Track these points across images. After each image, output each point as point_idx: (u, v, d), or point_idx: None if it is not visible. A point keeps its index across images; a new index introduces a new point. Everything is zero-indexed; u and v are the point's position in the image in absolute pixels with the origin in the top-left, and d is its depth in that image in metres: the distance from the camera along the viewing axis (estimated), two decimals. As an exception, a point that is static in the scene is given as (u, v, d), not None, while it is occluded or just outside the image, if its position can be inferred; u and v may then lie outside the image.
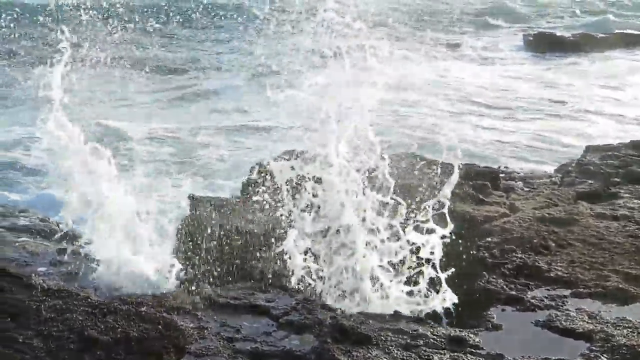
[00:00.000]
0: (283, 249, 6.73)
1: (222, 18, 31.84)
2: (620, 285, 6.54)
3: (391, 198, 6.79)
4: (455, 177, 6.93)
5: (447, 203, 6.80)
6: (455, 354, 5.45)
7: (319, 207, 6.90)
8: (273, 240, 7.34)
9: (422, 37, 32.84)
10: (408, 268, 6.70)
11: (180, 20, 31.53)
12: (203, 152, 18.11)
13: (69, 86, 6.63)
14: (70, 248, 8.21)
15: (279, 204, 8.01)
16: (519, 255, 7.11)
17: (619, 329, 5.81)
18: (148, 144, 18.60)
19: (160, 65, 27.00)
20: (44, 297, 5.67)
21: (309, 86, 6.81)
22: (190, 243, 7.58)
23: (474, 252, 7.23)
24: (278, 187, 8.49)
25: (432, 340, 5.63)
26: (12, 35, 25.08)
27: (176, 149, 18.32)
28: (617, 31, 32.92)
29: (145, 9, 27.80)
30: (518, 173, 11.06)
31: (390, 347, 5.47)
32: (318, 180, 6.84)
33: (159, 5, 31.84)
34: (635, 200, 8.53)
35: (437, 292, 6.62)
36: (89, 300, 5.71)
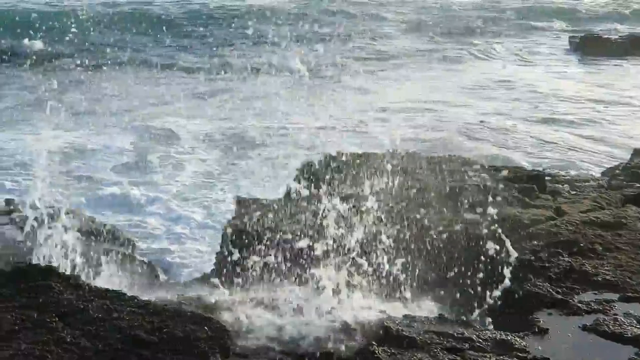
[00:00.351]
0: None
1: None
2: (669, 290, 6.47)
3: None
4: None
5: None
6: (501, 357, 5.41)
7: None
8: (318, 242, 7.36)
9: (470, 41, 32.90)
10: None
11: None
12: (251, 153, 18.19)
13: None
14: (116, 248, 8.30)
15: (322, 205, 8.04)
16: (566, 259, 7.06)
17: (668, 334, 5.75)
18: (197, 145, 18.73)
19: (202, 67, 27.23)
20: (92, 297, 5.71)
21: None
22: (236, 244, 7.62)
23: (520, 255, 7.18)
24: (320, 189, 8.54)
25: (477, 343, 5.59)
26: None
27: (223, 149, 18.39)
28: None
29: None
30: (564, 176, 10.98)
31: (435, 350, 5.45)
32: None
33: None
34: (684, 204, 8.44)
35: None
36: (135, 300, 5.74)
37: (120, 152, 18.00)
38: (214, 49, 30.67)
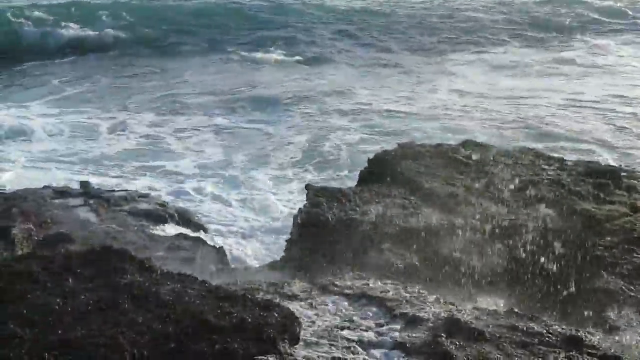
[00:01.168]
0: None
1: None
2: None
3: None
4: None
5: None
6: (571, 353, 5.35)
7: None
8: (390, 231, 7.37)
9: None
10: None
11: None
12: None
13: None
14: (188, 233, 8.38)
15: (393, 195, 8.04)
16: (639, 256, 6.97)
17: None
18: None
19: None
20: (163, 281, 5.77)
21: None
22: (306, 232, 7.65)
23: (594, 251, 7.10)
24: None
25: (547, 338, 5.54)
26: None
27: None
28: None
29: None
30: (640, 172, 10.80)
31: (504, 344, 5.41)
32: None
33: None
34: None
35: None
36: (206, 285, 5.78)
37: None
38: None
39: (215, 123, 19.92)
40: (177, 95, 22.70)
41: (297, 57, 28.27)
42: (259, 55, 28.31)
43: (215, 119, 20.24)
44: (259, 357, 4.96)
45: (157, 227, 8.51)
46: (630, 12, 37.16)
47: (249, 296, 5.63)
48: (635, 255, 6.97)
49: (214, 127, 19.58)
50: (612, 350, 5.45)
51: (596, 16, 36.40)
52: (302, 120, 20.17)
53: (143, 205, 9.03)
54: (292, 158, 17.11)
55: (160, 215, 8.83)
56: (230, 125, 19.86)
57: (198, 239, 8.50)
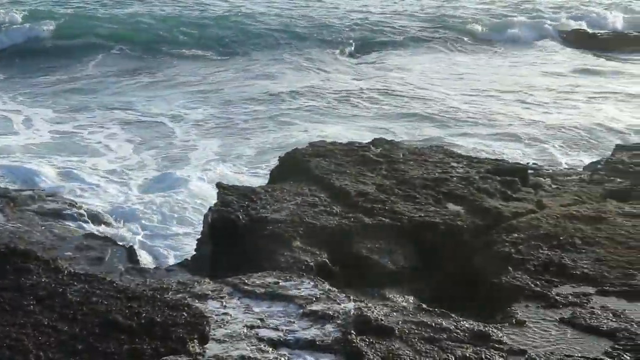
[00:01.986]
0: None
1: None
2: (646, 285, 6.52)
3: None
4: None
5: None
6: (478, 348, 5.43)
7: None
8: (300, 230, 7.38)
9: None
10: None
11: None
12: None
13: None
14: (97, 233, 8.28)
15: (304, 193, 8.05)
16: (545, 252, 7.10)
17: (643, 328, 5.78)
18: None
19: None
20: (70, 281, 5.70)
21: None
22: (217, 231, 7.62)
23: (500, 247, 7.21)
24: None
25: (455, 334, 5.61)
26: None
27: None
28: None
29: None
30: (547, 170, 11.00)
31: (413, 340, 5.46)
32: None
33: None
34: (664, 200, 8.49)
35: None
36: (114, 284, 5.73)
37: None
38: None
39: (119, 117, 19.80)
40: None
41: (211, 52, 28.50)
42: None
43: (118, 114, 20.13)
44: (168, 357, 4.93)
45: (66, 227, 8.39)
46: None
47: (158, 296, 5.60)
48: (541, 251, 7.10)
49: (118, 121, 19.47)
50: (519, 345, 5.55)
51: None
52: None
53: (51, 205, 8.90)
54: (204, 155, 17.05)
55: (69, 214, 8.72)
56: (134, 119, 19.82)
57: (107, 238, 8.41)
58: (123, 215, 12.27)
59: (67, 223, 8.41)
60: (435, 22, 35.05)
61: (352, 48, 30.35)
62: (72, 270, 5.94)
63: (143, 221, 12.22)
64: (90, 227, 8.89)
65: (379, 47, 30.98)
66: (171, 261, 9.70)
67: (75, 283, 5.68)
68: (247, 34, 31.21)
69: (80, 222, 8.58)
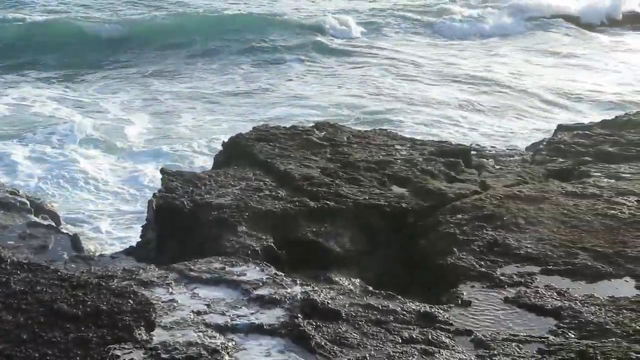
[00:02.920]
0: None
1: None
2: (589, 263, 6.60)
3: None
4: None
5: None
6: (425, 329, 5.47)
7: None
8: (246, 214, 7.36)
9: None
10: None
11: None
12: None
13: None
14: (39, 221, 8.19)
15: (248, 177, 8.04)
16: (489, 232, 7.15)
17: (586, 306, 5.86)
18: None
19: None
20: (13, 270, 5.64)
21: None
22: (162, 217, 7.58)
23: (445, 228, 7.26)
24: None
25: (401, 315, 5.65)
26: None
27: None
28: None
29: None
30: (490, 151, 11.09)
31: (360, 322, 5.49)
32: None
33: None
34: (605, 179, 8.60)
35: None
36: (59, 273, 5.68)
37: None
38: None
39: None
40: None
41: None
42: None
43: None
44: (115, 345, 4.90)
45: (8, 215, 8.29)
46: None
47: (104, 284, 5.56)
48: (485, 231, 7.16)
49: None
50: (465, 326, 5.60)
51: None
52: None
53: (-8, 194, 8.78)
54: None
55: (10, 203, 8.61)
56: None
57: (51, 226, 8.32)
58: (64, 202, 12.20)
59: (9, 212, 8.30)
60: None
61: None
62: (16, 260, 5.87)
63: (85, 208, 12.16)
64: (33, 216, 8.77)
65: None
66: (116, 248, 9.63)
67: (19, 272, 5.62)
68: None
69: (23, 211, 8.47)
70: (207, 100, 21.10)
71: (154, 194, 7.90)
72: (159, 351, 4.91)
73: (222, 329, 5.29)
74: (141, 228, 8.51)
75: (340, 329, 5.39)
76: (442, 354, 5.17)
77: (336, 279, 6.57)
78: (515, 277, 6.41)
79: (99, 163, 15.55)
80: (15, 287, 5.40)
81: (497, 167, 9.61)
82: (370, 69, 24.99)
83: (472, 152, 9.91)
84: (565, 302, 5.95)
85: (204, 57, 26.97)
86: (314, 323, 5.40)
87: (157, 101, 20.98)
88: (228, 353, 5.02)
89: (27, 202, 8.69)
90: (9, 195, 8.65)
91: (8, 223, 7.89)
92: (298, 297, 5.74)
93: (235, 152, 9.10)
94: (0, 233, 7.47)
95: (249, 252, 6.80)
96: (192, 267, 6.18)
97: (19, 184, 12.90)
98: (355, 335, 5.32)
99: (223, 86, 22.79)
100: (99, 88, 22.35)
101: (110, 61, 26.20)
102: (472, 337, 5.45)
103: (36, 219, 8.40)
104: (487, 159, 10.03)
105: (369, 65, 25.67)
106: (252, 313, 5.52)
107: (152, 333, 5.12)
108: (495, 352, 5.22)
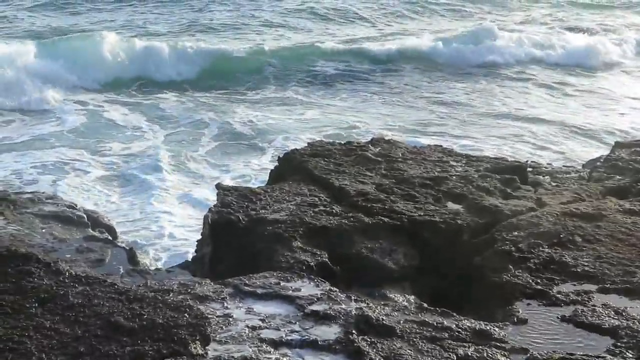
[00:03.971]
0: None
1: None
2: (647, 282, 6.52)
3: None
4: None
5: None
6: (480, 347, 5.44)
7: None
8: (301, 230, 7.38)
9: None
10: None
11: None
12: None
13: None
14: (96, 235, 8.27)
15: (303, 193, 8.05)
16: (546, 250, 7.09)
17: (645, 325, 5.79)
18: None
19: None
20: (71, 283, 5.71)
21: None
22: (217, 232, 7.62)
23: (501, 245, 7.21)
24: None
25: (456, 333, 5.62)
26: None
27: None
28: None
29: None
30: (546, 168, 11.00)
31: (415, 339, 5.47)
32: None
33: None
34: (663, 197, 8.49)
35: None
36: (116, 286, 5.74)
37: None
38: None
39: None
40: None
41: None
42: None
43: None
44: (170, 359, 4.94)
45: (66, 229, 8.38)
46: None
47: (160, 297, 5.61)
48: (541, 249, 7.10)
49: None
50: (520, 344, 5.55)
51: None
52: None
53: (51, 207, 8.87)
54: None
55: (68, 217, 8.69)
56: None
57: (108, 240, 8.39)
58: (120, 216, 12.29)
59: (67, 226, 8.39)
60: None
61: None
62: (74, 273, 5.95)
63: (141, 222, 12.24)
64: (90, 230, 8.85)
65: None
66: (172, 262, 9.69)
67: (77, 285, 5.69)
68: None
69: (81, 225, 8.55)
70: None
71: (210, 209, 7.95)
72: (214, 365, 4.95)
73: (276, 344, 5.31)
74: (196, 243, 8.56)
75: (395, 345, 5.38)
76: (498, 372, 5.14)
77: (391, 295, 6.56)
78: (571, 295, 6.35)
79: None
80: (73, 300, 5.47)
81: (554, 184, 9.53)
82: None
83: (528, 169, 9.83)
84: (623, 321, 5.89)
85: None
86: (368, 339, 5.40)
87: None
88: (282, 368, 5.04)
89: (85, 216, 8.78)
90: (67, 209, 8.74)
91: (66, 236, 7.97)
92: (353, 313, 5.74)
93: (290, 168, 9.13)
94: (59, 246, 7.54)
95: (304, 267, 6.81)
96: (247, 281, 6.21)
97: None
98: (409, 352, 5.31)
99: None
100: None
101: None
102: (528, 355, 5.41)
103: (93, 233, 8.48)
104: (544, 176, 9.95)
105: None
106: (307, 329, 5.53)
107: (207, 347, 5.15)
108: (552, 371, 5.18)
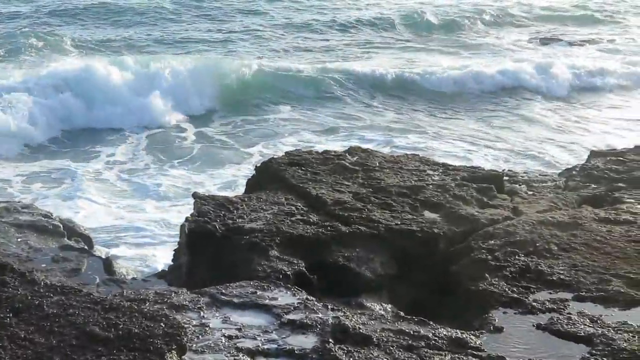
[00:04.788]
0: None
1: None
2: (622, 290, 6.55)
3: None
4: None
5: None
6: (456, 355, 5.46)
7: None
8: (277, 239, 7.38)
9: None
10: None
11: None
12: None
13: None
14: (72, 244, 8.24)
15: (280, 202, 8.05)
16: (522, 258, 7.12)
17: (620, 333, 5.82)
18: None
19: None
20: (46, 293, 5.68)
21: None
22: (194, 241, 7.60)
23: (477, 254, 7.23)
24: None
25: (433, 341, 5.63)
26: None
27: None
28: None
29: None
30: (522, 177, 11.05)
31: (392, 348, 5.48)
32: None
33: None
34: (639, 205, 8.53)
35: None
36: (91, 296, 5.71)
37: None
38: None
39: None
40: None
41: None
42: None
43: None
44: (146, 369, 4.92)
45: (41, 238, 8.34)
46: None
47: (136, 307, 5.58)
48: (517, 257, 7.12)
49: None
50: (496, 352, 5.57)
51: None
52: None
53: (26, 217, 8.84)
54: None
55: (44, 226, 8.66)
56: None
57: (84, 249, 8.36)
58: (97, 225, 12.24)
59: (42, 235, 8.35)
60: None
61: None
62: (49, 282, 5.91)
63: (118, 232, 12.21)
64: (65, 240, 8.82)
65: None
66: (148, 272, 9.66)
67: (52, 295, 5.65)
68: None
69: (56, 234, 8.52)
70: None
71: (186, 218, 7.93)
72: (190, 375, 4.93)
73: (253, 354, 5.30)
74: (173, 252, 8.54)
75: (372, 354, 5.38)
76: (474, 381, 5.15)
77: (367, 304, 6.57)
78: (547, 303, 6.38)
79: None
80: (48, 310, 5.43)
81: (530, 192, 9.57)
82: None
83: (505, 178, 9.87)
84: (598, 329, 5.91)
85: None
86: (345, 348, 5.40)
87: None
88: (259, 377, 5.04)
89: (60, 225, 8.75)
90: (43, 219, 8.71)
91: (41, 246, 7.94)
92: (329, 322, 5.74)
93: (268, 177, 9.12)
94: (34, 256, 7.51)
95: (281, 276, 6.81)
96: (223, 291, 6.20)
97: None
98: (386, 360, 5.31)
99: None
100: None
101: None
102: (504, 363, 5.43)
103: (69, 242, 8.45)
104: (520, 185, 9.99)
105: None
106: (284, 338, 5.53)
107: (183, 357, 5.14)
108: (528, 379, 5.20)
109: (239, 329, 5.60)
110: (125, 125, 21.46)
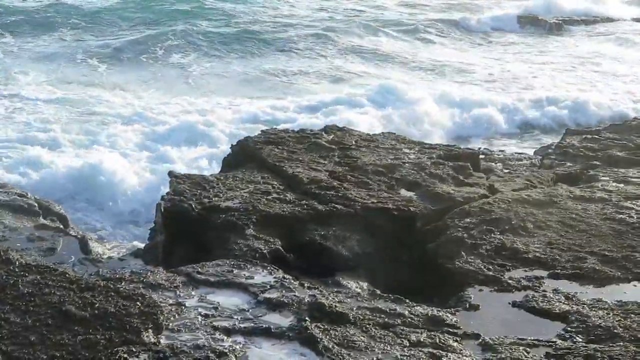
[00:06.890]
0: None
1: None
2: (597, 267, 6.60)
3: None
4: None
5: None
6: (433, 333, 5.47)
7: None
8: (254, 218, 7.37)
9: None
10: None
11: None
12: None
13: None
14: (48, 223, 8.20)
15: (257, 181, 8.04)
16: (498, 236, 7.15)
17: (594, 310, 5.86)
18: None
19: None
20: (22, 272, 5.65)
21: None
22: (170, 220, 7.58)
23: (453, 232, 7.25)
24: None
25: (409, 319, 5.65)
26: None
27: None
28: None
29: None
30: (498, 155, 11.09)
31: (368, 326, 5.49)
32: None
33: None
34: (613, 183, 8.58)
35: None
36: (67, 275, 5.69)
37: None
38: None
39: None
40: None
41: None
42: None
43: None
44: (123, 347, 4.91)
45: (17, 218, 8.31)
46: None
47: (112, 286, 5.57)
48: (493, 235, 7.15)
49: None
50: (472, 329, 5.59)
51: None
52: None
53: (1, 196, 8.80)
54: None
55: (19, 205, 8.62)
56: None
57: (59, 229, 8.33)
58: (72, 205, 12.19)
59: (18, 214, 8.32)
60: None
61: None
62: (24, 262, 5.88)
63: (93, 211, 12.17)
64: (41, 219, 8.78)
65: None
66: (125, 251, 9.63)
67: (27, 274, 5.63)
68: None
69: (32, 213, 8.48)
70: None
71: (162, 197, 7.90)
72: (167, 354, 4.92)
73: (229, 332, 5.30)
74: (149, 231, 8.52)
75: (348, 332, 5.39)
76: (450, 358, 5.17)
77: (344, 282, 6.58)
78: (523, 281, 6.42)
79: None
80: (23, 289, 5.41)
81: (506, 171, 9.61)
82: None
83: (481, 156, 9.89)
84: (573, 306, 5.96)
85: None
86: (321, 326, 5.40)
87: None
88: (235, 356, 5.03)
89: (36, 205, 8.70)
90: (18, 198, 8.66)
91: (17, 225, 7.91)
92: (306, 300, 5.75)
93: (244, 155, 9.10)
94: (9, 235, 7.48)
95: (257, 255, 6.81)
96: (199, 270, 6.19)
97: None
98: (362, 338, 5.32)
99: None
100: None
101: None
102: (480, 340, 5.45)
103: (44, 221, 8.41)
104: (496, 163, 10.03)
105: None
106: (260, 316, 5.53)
107: (159, 336, 5.13)
108: (503, 356, 5.22)
109: (215, 308, 5.59)
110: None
